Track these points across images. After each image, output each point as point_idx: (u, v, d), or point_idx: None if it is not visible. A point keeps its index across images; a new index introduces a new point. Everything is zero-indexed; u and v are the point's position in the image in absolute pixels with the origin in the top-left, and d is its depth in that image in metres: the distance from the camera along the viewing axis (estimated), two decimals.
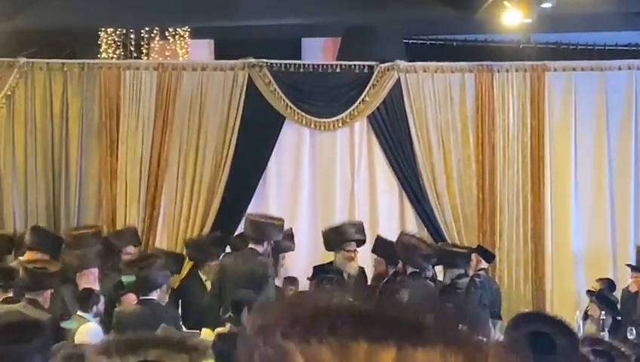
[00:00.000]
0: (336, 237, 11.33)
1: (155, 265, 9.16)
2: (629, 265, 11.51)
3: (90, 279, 10.03)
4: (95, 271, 10.16)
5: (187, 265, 11.77)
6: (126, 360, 2.77)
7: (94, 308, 8.77)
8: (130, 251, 11.27)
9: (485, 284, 11.05)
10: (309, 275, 11.33)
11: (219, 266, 10.79)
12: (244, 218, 11.26)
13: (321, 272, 11.02)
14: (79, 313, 8.65)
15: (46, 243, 10.70)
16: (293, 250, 11.52)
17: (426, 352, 1.30)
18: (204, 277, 11.19)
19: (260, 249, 10.50)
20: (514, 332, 5.97)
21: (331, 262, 11.33)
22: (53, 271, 9.21)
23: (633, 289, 11.13)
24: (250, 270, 10.24)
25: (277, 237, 10.83)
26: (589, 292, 10.90)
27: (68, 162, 12.41)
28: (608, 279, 11.44)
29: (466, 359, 1.31)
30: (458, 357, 1.31)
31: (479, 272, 11.08)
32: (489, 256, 11.45)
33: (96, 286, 9.95)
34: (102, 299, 9.06)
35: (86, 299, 8.78)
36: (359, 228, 11.51)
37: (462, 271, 11.07)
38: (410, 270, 10.90)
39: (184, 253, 11.86)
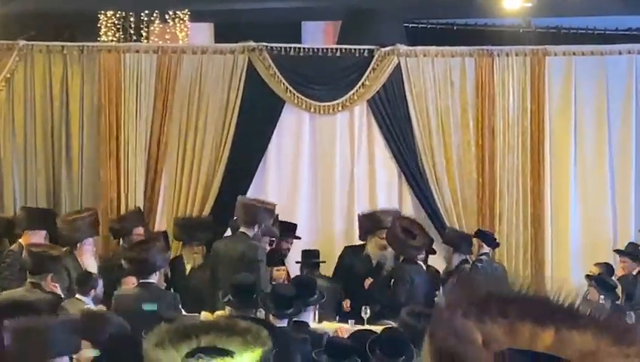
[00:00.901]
0: (370, 224, 11.32)
1: (154, 248, 9.16)
2: (616, 251, 11.50)
3: (89, 250, 10.07)
4: (91, 241, 10.19)
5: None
6: (180, 350, 2.79)
7: (92, 292, 8.76)
8: (139, 232, 11.26)
9: (487, 269, 11.05)
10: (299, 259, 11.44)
11: (212, 250, 10.80)
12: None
13: (349, 255, 11.30)
14: (77, 296, 8.65)
15: (38, 219, 10.71)
16: (277, 235, 11.44)
17: (580, 334, 1.50)
18: (185, 261, 11.21)
19: (250, 233, 10.55)
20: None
21: (363, 245, 11.35)
22: (55, 254, 9.25)
23: (620, 273, 11.13)
24: (240, 254, 10.27)
25: (267, 221, 10.86)
26: (587, 276, 10.91)
27: (69, 145, 12.40)
28: (606, 263, 11.44)
29: (615, 340, 1.50)
30: (609, 338, 1.50)
31: (481, 257, 11.08)
32: (490, 241, 11.42)
33: (93, 259, 9.98)
34: (100, 282, 9.07)
35: (84, 283, 8.77)
36: (395, 215, 11.50)
37: (465, 257, 11.12)
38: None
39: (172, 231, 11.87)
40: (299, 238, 11.62)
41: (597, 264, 11.34)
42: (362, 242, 11.56)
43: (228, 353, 2.78)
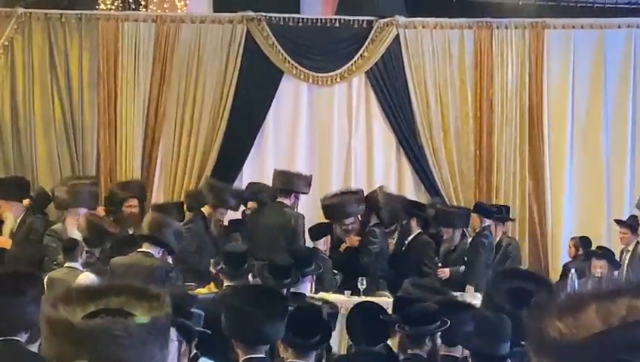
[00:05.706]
0: (334, 213, 11.21)
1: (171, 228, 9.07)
2: (617, 221, 11.48)
3: (77, 217, 10.01)
4: (83, 211, 10.13)
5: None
6: (86, 308, 2.71)
7: (83, 256, 8.63)
8: (133, 204, 11.22)
9: (492, 243, 11.00)
10: None
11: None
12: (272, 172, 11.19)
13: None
14: (67, 264, 8.51)
15: (11, 190, 10.65)
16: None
17: None
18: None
19: (287, 202, 10.58)
20: (495, 287, 5.99)
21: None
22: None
23: (622, 245, 11.14)
24: (280, 223, 10.30)
25: (304, 189, 10.86)
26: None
27: (67, 113, 12.36)
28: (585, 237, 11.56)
29: None
30: None
31: (485, 233, 10.96)
32: (488, 213, 11.26)
33: (76, 228, 9.90)
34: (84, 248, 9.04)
35: (72, 250, 8.62)
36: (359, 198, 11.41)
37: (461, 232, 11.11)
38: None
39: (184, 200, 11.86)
40: None
41: (573, 238, 11.51)
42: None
43: (130, 315, 2.71)
